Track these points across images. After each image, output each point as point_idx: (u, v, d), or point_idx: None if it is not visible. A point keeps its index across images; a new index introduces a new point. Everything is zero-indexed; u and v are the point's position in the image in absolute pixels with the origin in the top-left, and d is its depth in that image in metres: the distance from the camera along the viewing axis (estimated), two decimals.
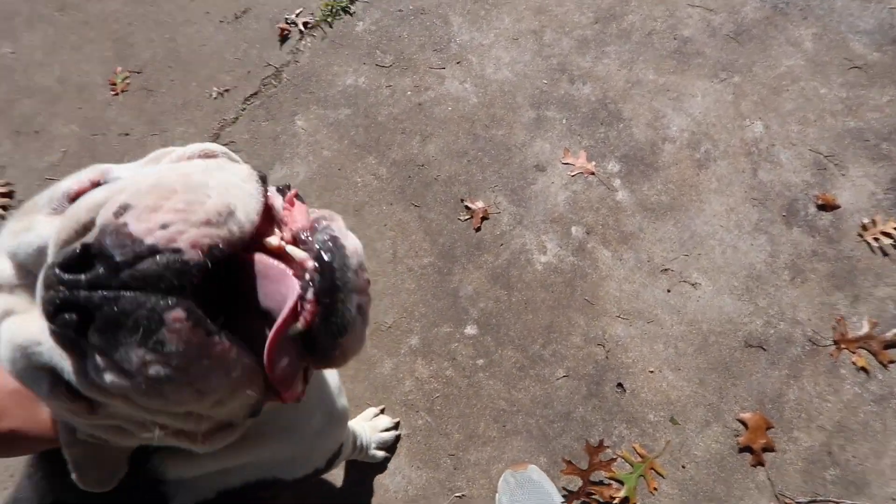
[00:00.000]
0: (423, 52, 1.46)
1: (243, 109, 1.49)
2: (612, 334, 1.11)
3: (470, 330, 1.15)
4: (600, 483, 1.00)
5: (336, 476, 1.07)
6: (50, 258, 0.30)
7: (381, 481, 1.08)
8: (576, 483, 1.01)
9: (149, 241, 0.27)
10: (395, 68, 1.45)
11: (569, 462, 1.01)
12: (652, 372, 1.07)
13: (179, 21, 1.67)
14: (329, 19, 1.54)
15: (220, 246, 0.28)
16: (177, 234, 0.28)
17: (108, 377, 0.28)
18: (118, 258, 0.27)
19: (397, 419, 1.08)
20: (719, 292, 1.11)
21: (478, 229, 1.23)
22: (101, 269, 0.27)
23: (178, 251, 0.27)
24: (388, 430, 1.06)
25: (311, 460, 0.62)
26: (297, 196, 0.36)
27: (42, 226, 0.33)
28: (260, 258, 0.31)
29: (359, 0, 1.54)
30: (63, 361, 0.30)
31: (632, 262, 1.16)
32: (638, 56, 1.36)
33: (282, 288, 0.30)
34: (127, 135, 1.55)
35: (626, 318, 1.12)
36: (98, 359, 0.28)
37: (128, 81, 1.61)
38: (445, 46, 1.45)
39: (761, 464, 0.98)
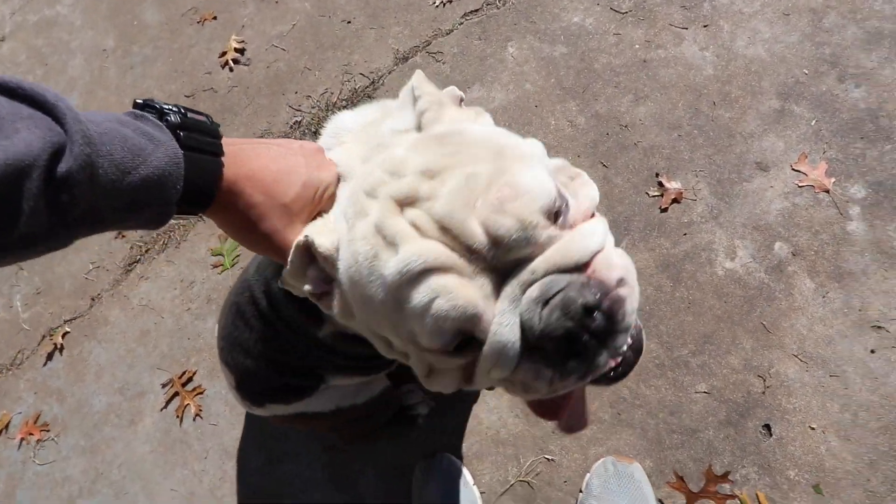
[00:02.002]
0: (668, 4, 1.45)
1: (460, 23, 1.64)
2: (780, 372, 1.08)
3: None
4: None
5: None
6: (542, 269, 0.44)
7: (476, 411, 1.21)
8: (678, 501, 1.04)
9: (628, 319, 0.45)
10: (631, 16, 1.47)
11: (680, 477, 1.04)
12: (813, 429, 1.03)
13: None
14: None
15: None
16: (633, 317, 0.47)
17: (540, 382, 0.46)
18: (613, 323, 0.44)
19: None
20: None
21: (664, 210, 1.25)
22: (602, 324, 0.44)
23: (629, 329, 0.46)
24: None
25: None
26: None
27: (544, 231, 0.45)
28: None
29: None
30: (510, 347, 0.44)
31: (837, 304, 1.09)
32: None
33: None
34: (349, 23, 1.81)
35: (804, 361, 1.07)
36: (548, 371, 0.45)
37: None
38: (697, 4, 1.42)
39: None
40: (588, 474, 1.08)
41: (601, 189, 1.32)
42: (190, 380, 1.47)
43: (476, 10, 1.65)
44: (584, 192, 0.51)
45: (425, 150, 0.48)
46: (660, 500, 1.05)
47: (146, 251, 1.74)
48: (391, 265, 0.43)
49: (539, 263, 0.43)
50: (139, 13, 2.21)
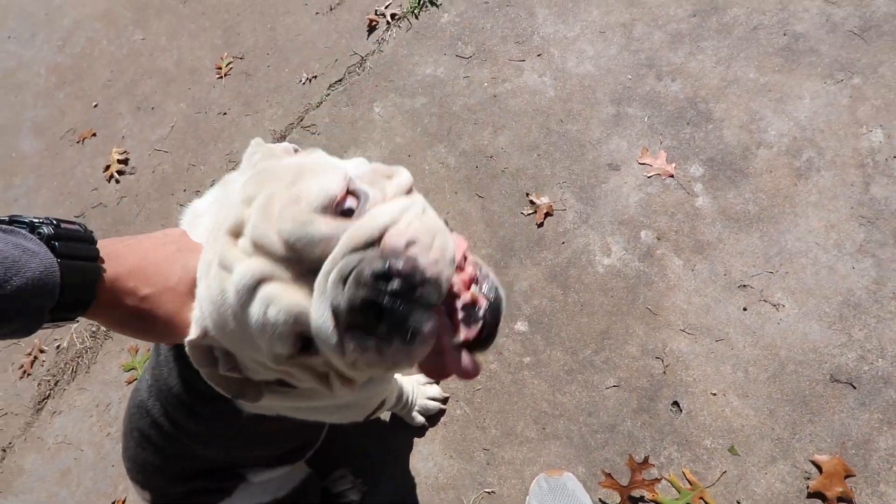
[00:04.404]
0: (504, 43, 1.52)
1: (327, 95, 1.66)
2: (674, 349, 1.09)
3: (520, 326, 1.19)
4: (640, 502, 0.98)
5: (371, 450, 1.17)
6: (339, 254, 0.45)
7: (413, 464, 1.15)
8: (614, 498, 1.01)
9: (428, 273, 0.44)
10: (475, 60, 1.53)
11: (608, 475, 1.01)
12: (714, 395, 1.04)
13: (281, 11, 1.89)
14: (416, 10, 1.66)
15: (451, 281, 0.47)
16: (439, 271, 0.45)
17: (369, 354, 0.45)
18: (412, 281, 0.43)
19: (447, 395, 1.15)
20: (806, 317, 1.05)
21: (540, 225, 1.27)
22: (398, 285, 0.43)
23: (439, 283, 0.45)
24: (434, 399, 1.13)
25: (357, 410, 0.79)
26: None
27: (321, 225, 0.46)
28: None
29: None
30: (326, 332, 0.45)
31: (705, 274, 1.13)
32: (738, 52, 1.31)
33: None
34: (225, 114, 1.79)
35: (691, 334, 1.09)
36: (370, 341, 0.45)
37: (231, 66, 1.86)
38: (528, 38, 1.50)
39: None
40: (527, 497, 1.04)
41: (481, 218, 1.33)
42: None
43: (339, 80, 1.67)
44: (395, 181, 0.52)
45: (246, 185, 0.51)
46: (600, 500, 1.02)
47: (55, 384, 1.58)
48: (230, 290, 0.46)
49: (336, 251, 0.45)
50: (16, 145, 2.09)
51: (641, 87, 1.35)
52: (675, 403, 1.05)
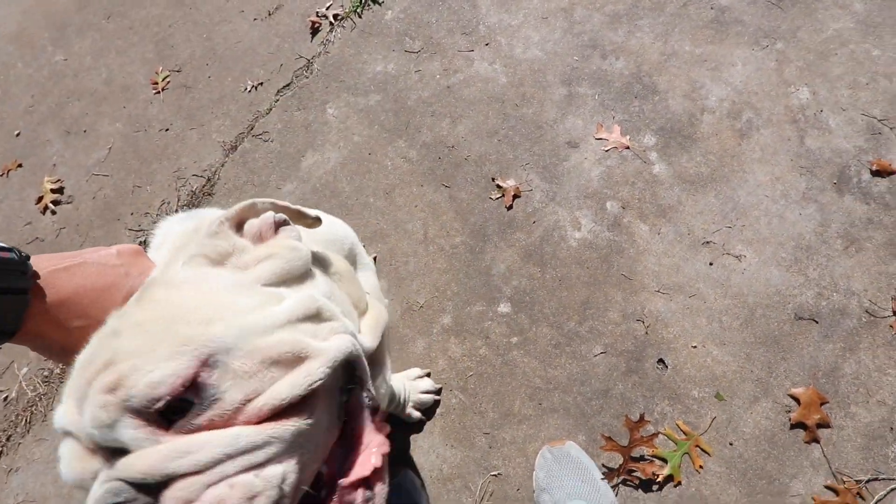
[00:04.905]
0: (451, 36, 1.52)
1: (276, 101, 1.59)
2: (652, 310, 1.12)
3: (503, 308, 1.19)
4: (642, 459, 1.01)
5: None
6: (106, 477, 0.35)
7: (416, 459, 1.12)
8: (616, 460, 1.02)
9: None
10: (424, 53, 1.52)
11: (608, 438, 1.03)
12: (695, 347, 1.08)
13: (216, 20, 1.81)
14: (358, 10, 1.63)
15: None
16: None
17: None
18: None
19: (440, 386, 1.13)
20: (766, 264, 1.11)
21: (509, 207, 1.27)
22: None
23: None
24: (427, 392, 1.11)
25: None
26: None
27: (122, 432, 0.36)
28: None
29: None
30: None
31: (671, 236, 1.18)
32: (673, 28, 1.38)
33: None
34: (167, 130, 1.68)
35: (665, 293, 1.13)
36: None
37: (168, 80, 1.75)
38: (474, 29, 1.51)
39: (816, 440, 0.97)
40: (534, 470, 1.04)
41: (450, 207, 1.32)
42: None
43: (287, 85, 1.61)
44: (281, 385, 0.39)
45: (132, 310, 0.42)
46: (603, 465, 1.03)
47: (7, 439, 1.42)
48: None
49: (115, 467, 0.35)
50: None
51: (588, 66, 1.39)
52: (661, 361, 1.09)
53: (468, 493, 1.07)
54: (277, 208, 0.51)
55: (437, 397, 1.14)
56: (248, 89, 1.64)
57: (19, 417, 1.44)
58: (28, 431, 1.42)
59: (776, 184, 1.17)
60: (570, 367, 1.12)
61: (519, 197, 1.28)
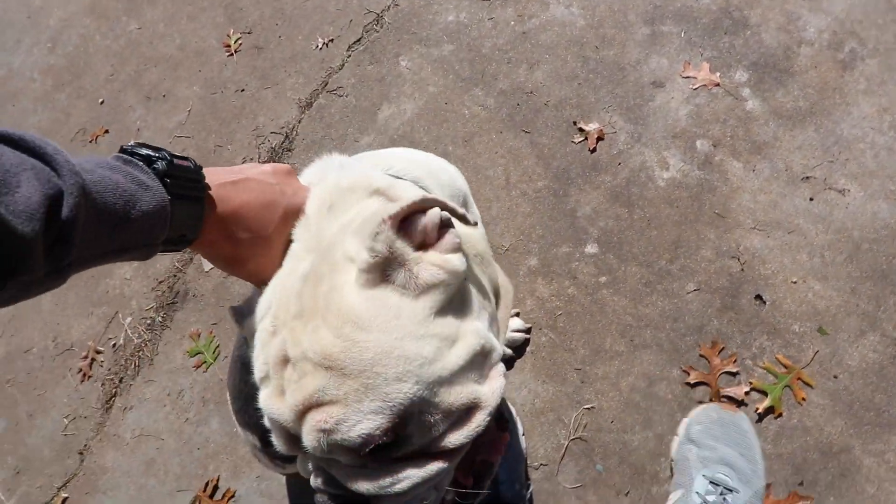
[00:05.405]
0: None
1: (348, 56, 1.61)
2: (748, 247, 1.10)
3: (590, 249, 1.19)
4: (745, 400, 1.01)
5: None
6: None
7: (507, 395, 1.16)
8: (707, 392, 1.03)
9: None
10: (497, 0, 1.49)
11: (691, 367, 1.03)
12: (795, 283, 1.06)
13: None
14: None
15: None
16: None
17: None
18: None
19: (530, 325, 1.16)
20: (872, 198, 1.07)
21: (593, 150, 1.26)
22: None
23: None
24: (518, 330, 1.14)
25: None
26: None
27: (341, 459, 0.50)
28: None
29: None
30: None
31: (767, 173, 1.14)
32: None
33: None
34: (242, 91, 1.73)
35: (762, 230, 1.11)
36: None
37: (240, 42, 1.79)
38: None
39: None
40: (686, 419, 0.98)
41: (532, 153, 1.32)
42: (216, 488, 1.31)
43: (358, 40, 1.62)
44: (455, 434, 0.50)
45: (330, 326, 0.46)
46: (698, 402, 1.04)
47: (120, 381, 1.54)
48: (278, 413, 0.50)
49: (346, 479, 0.49)
50: None
51: (672, 3, 1.34)
52: (759, 297, 1.07)
53: (562, 426, 1.10)
54: (444, 207, 0.50)
55: (527, 336, 1.16)
56: (320, 46, 1.66)
57: (128, 362, 1.56)
58: (137, 374, 1.53)
59: (884, 115, 1.11)
60: (661, 304, 1.12)
61: (602, 140, 1.26)
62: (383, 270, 0.47)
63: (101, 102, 1.93)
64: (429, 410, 0.46)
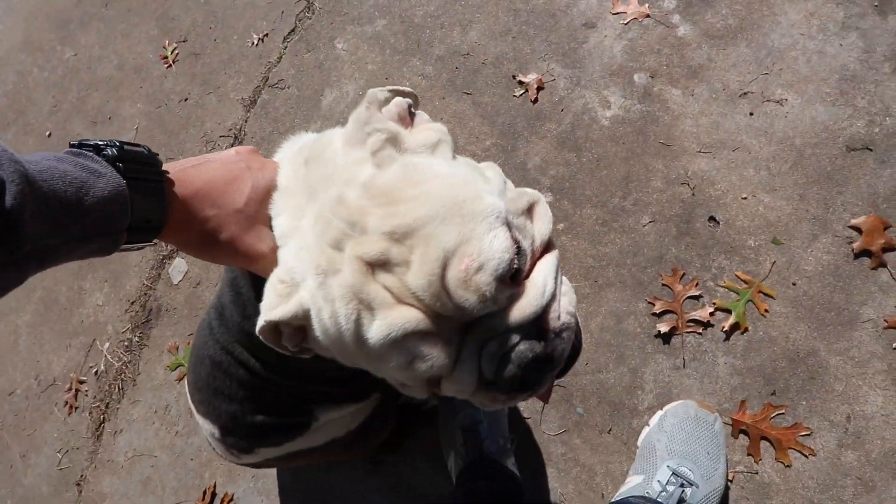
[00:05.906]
0: None
1: (285, 48, 1.59)
2: (696, 171, 1.10)
3: (545, 197, 1.18)
4: (709, 325, 1.01)
5: None
6: (502, 329, 0.46)
7: None
8: (673, 319, 1.03)
9: (558, 359, 0.49)
10: None
11: (655, 299, 1.03)
12: (745, 198, 1.06)
13: None
14: None
15: None
16: (563, 354, 0.49)
17: (496, 402, 0.50)
18: (559, 362, 0.49)
19: None
20: (809, 103, 1.06)
21: (535, 101, 1.25)
22: (546, 367, 0.48)
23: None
24: None
25: None
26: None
27: (502, 298, 0.46)
28: None
29: None
30: (467, 392, 0.48)
31: (705, 95, 1.14)
32: None
33: None
34: (186, 99, 1.70)
35: (708, 152, 1.10)
36: (500, 395, 0.49)
37: (177, 52, 1.76)
38: None
39: (883, 265, 0.95)
40: (661, 411, 0.97)
41: (476, 114, 1.31)
42: (214, 494, 1.31)
43: (292, 31, 1.60)
44: (539, 226, 0.51)
45: (385, 206, 0.45)
46: (658, 332, 1.04)
47: (106, 407, 1.54)
48: (373, 331, 0.44)
49: (497, 322, 0.45)
50: None
51: None
52: (712, 218, 1.07)
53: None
54: (400, 93, 0.55)
55: None
56: (255, 43, 1.64)
57: (112, 386, 1.55)
58: (122, 397, 1.53)
59: (811, 19, 1.11)
60: (619, 241, 1.12)
61: (543, 89, 1.26)
62: (395, 145, 0.50)
63: (49, 135, 1.91)
64: (513, 215, 0.47)
